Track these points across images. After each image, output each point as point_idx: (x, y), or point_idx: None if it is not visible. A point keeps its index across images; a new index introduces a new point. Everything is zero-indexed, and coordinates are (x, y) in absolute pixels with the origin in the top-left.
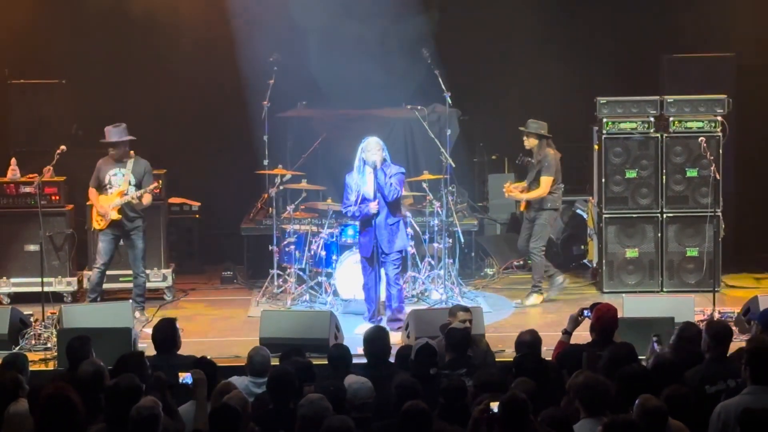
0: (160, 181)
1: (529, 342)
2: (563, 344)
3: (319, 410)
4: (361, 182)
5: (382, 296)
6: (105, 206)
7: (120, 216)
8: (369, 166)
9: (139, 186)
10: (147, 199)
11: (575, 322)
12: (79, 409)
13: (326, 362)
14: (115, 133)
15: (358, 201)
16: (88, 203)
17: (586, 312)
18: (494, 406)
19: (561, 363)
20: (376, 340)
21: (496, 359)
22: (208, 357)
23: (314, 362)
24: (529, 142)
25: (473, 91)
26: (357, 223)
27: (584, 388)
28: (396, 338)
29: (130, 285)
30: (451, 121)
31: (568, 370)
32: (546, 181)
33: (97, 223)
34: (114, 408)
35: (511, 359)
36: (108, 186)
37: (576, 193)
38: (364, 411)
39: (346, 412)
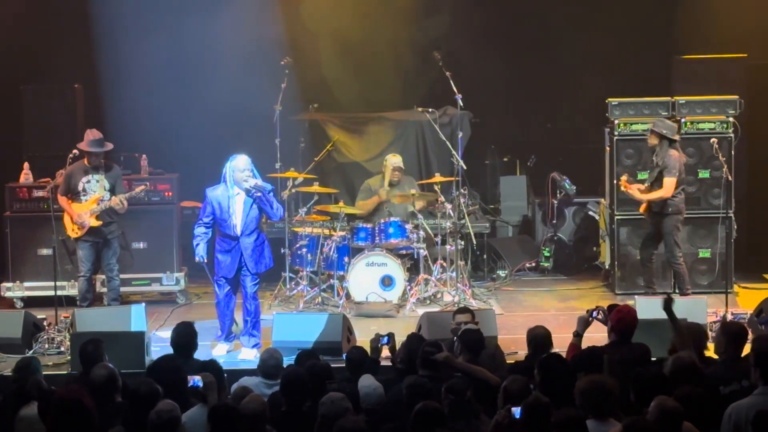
0: (146, 185)
1: (545, 335)
2: (576, 347)
3: (340, 410)
4: (232, 201)
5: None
6: (82, 213)
7: (100, 222)
8: (242, 190)
9: (112, 191)
10: (125, 205)
11: (585, 323)
12: (92, 413)
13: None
14: (95, 144)
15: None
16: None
17: (594, 313)
18: (515, 411)
19: (578, 365)
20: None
21: (512, 361)
22: (221, 361)
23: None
24: (651, 140)
25: (485, 94)
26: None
27: (588, 390)
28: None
29: (146, 288)
30: (462, 124)
31: (586, 372)
32: (669, 182)
33: (74, 232)
34: (134, 413)
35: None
36: (82, 193)
37: (588, 194)
38: (371, 416)
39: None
